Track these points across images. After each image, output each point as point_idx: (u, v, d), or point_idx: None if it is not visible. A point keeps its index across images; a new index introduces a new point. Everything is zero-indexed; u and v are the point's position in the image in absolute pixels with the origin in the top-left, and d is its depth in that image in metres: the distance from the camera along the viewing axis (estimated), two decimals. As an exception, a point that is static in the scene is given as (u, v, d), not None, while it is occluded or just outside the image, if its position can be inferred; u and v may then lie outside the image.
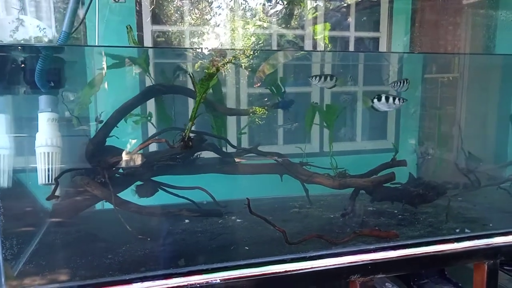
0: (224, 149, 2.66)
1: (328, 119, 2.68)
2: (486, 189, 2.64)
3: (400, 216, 2.43)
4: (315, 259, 1.96)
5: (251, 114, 2.70)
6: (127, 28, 2.55)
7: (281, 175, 2.61)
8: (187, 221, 2.40)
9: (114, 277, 1.76)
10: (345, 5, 4.00)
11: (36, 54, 2.04)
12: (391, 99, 2.28)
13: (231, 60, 2.07)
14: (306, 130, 2.84)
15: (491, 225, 2.30)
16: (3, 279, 1.64)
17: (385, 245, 2.08)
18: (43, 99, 2.07)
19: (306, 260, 1.95)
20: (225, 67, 1.97)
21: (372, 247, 2.05)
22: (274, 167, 2.61)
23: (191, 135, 2.12)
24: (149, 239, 2.13)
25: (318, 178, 2.49)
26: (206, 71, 1.90)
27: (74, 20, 2.03)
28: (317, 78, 2.52)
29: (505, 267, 2.38)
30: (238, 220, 2.42)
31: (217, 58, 1.94)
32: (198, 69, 2.48)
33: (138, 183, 2.52)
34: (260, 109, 2.61)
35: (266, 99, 2.96)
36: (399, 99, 2.30)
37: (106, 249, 2.02)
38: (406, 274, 2.23)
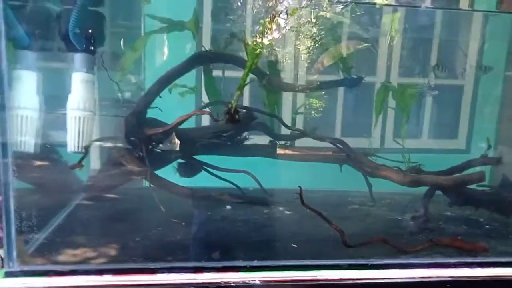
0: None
1: (404, 102, 2.25)
2: None
3: (487, 226, 1.97)
4: (378, 268, 1.59)
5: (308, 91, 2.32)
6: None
7: (340, 165, 2.24)
8: (228, 207, 2.12)
9: (137, 263, 1.52)
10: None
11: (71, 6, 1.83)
12: None
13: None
14: (374, 115, 2.41)
15: None
16: (15, 254, 1.43)
17: (470, 260, 1.65)
18: (78, 58, 1.85)
19: (367, 268, 1.58)
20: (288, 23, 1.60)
21: (452, 261, 1.63)
22: (333, 156, 2.24)
23: (240, 110, 1.82)
24: (183, 223, 1.86)
25: (385, 171, 2.08)
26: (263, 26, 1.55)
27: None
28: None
29: None
30: (286, 212, 2.09)
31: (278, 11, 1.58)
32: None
33: (180, 161, 2.28)
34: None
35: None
36: None
37: (134, 231, 1.78)
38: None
